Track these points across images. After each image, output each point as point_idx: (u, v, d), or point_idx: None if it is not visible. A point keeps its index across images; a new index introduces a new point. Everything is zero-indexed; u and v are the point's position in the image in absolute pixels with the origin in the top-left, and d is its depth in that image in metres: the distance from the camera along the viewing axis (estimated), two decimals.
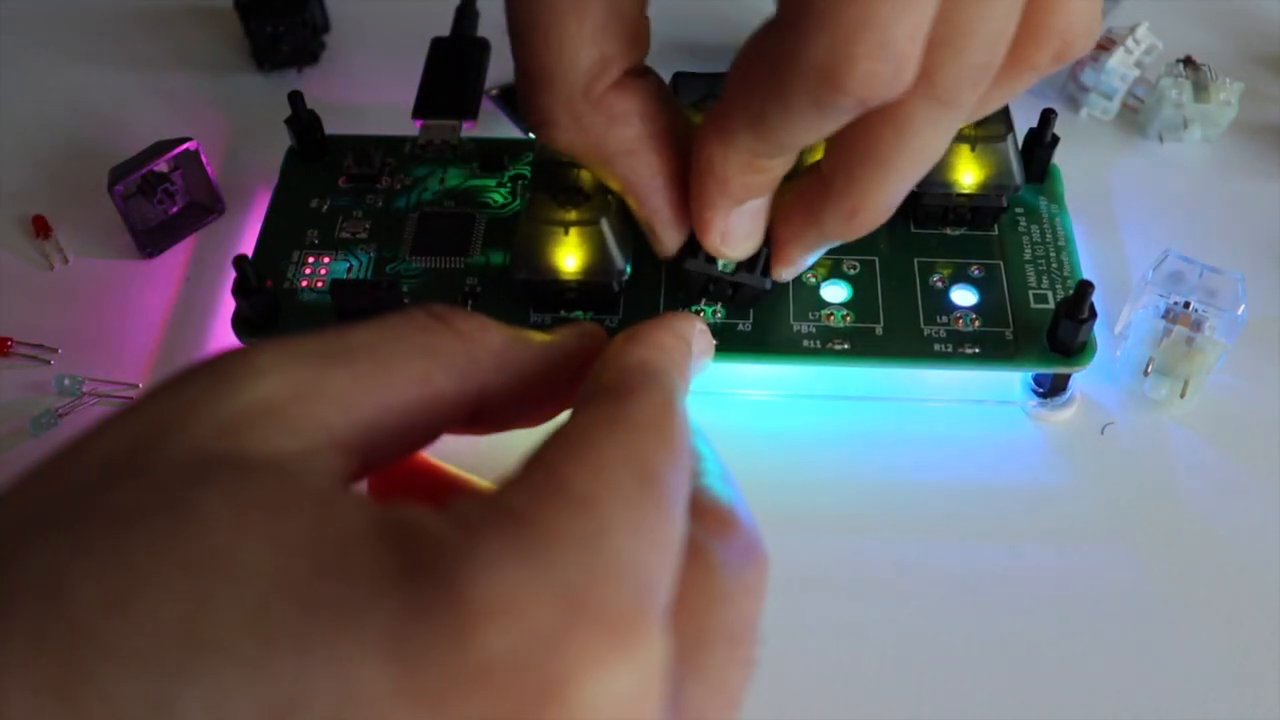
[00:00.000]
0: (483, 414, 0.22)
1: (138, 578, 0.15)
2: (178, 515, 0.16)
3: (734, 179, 0.26)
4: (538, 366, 0.23)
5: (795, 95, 0.22)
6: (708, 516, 0.21)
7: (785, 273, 0.30)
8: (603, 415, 0.20)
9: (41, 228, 0.37)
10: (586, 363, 0.23)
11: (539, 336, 0.23)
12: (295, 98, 0.36)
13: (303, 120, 0.36)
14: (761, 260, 0.30)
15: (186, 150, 0.36)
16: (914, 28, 0.21)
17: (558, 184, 0.31)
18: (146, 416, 0.18)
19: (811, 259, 0.30)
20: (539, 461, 0.19)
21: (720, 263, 0.30)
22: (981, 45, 0.23)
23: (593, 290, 0.31)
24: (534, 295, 0.32)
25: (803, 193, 0.28)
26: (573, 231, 0.30)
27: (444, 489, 0.23)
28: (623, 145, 0.27)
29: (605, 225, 0.30)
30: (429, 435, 0.21)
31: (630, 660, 0.16)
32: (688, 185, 0.28)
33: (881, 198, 0.26)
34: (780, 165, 0.27)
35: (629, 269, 0.31)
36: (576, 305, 0.32)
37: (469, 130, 0.37)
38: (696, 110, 0.31)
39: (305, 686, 0.15)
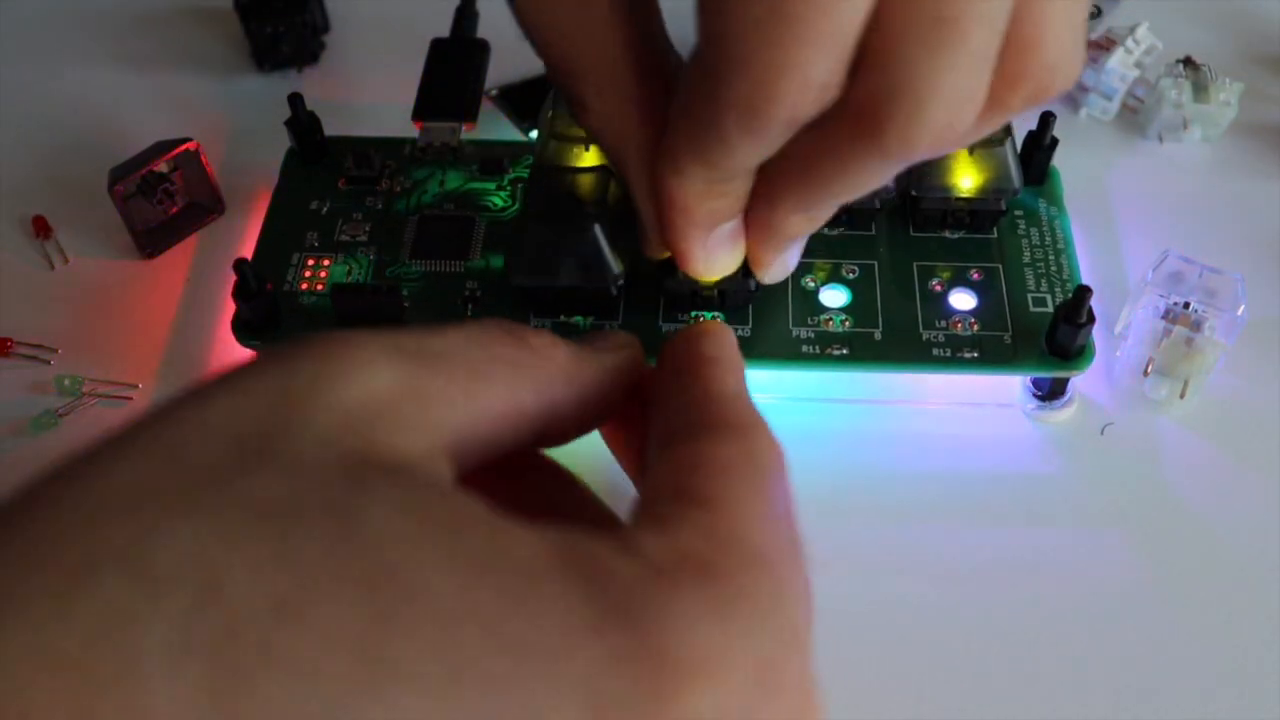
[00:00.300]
0: (549, 431, 0.22)
1: (307, 584, 0.15)
2: (346, 524, 0.15)
3: (696, 208, 0.26)
4: (597, 383, 0.23)
5: (728, 126, 0.22)
6: None
7: (765, 275, 0.30)
8: (740, 455, 0.20)
9: (42, 228, 0.37)
10: (634, 375, 0.24)
11: (596, 354, 0.23)
12: (295, 99, 0.36)
13: (303, 122, 0.36)
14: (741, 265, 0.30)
15: (186, 150, 0.36)
16: (834, 62, 0.21)
17: (554, 189, 0.31)
18: (266, 396, 0.17)
19: (789, 258, 0.29)
20: (697, 501, 0.19)
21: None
22: (943, 104, 0.21)
23: (590, 295, 0.31)
24: (532, 300, 0.32)
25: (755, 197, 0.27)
26: (568, 238, 0.30)
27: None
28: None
29: (598, 231, 0.30)
30: (508, 448, 0.21)
31: None
32: None
33: (825, 210, 0.26)
34: (738, 186, 0.26)
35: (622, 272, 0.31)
36: (575, 310, 0.32)
37: (468, 133, 0.37)
38: None
39: (496, 716, 0.15)
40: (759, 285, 0.31)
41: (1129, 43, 0.40)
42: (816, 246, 0.34)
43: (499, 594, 0.15)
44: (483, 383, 0.20)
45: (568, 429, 0.22)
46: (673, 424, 0.21)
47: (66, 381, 0.33)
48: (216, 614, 0.14)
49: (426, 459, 0.18)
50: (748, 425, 0.21)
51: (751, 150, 0.23)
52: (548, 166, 0.31)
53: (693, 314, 0.32)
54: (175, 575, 0.14)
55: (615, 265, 0.31)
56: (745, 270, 0.31)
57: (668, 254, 0.29)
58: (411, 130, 0.36)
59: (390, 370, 0.18)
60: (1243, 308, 0.32)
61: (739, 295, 0.31)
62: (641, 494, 0.20)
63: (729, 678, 0.16)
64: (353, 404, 0.17)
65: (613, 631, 0.16)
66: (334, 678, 0.14)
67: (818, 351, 0.32)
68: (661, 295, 0.32)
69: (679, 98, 0.24)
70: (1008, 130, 0.32)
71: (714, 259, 0.28)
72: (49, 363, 0.34)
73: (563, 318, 0.32)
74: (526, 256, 0.30)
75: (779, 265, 0.29)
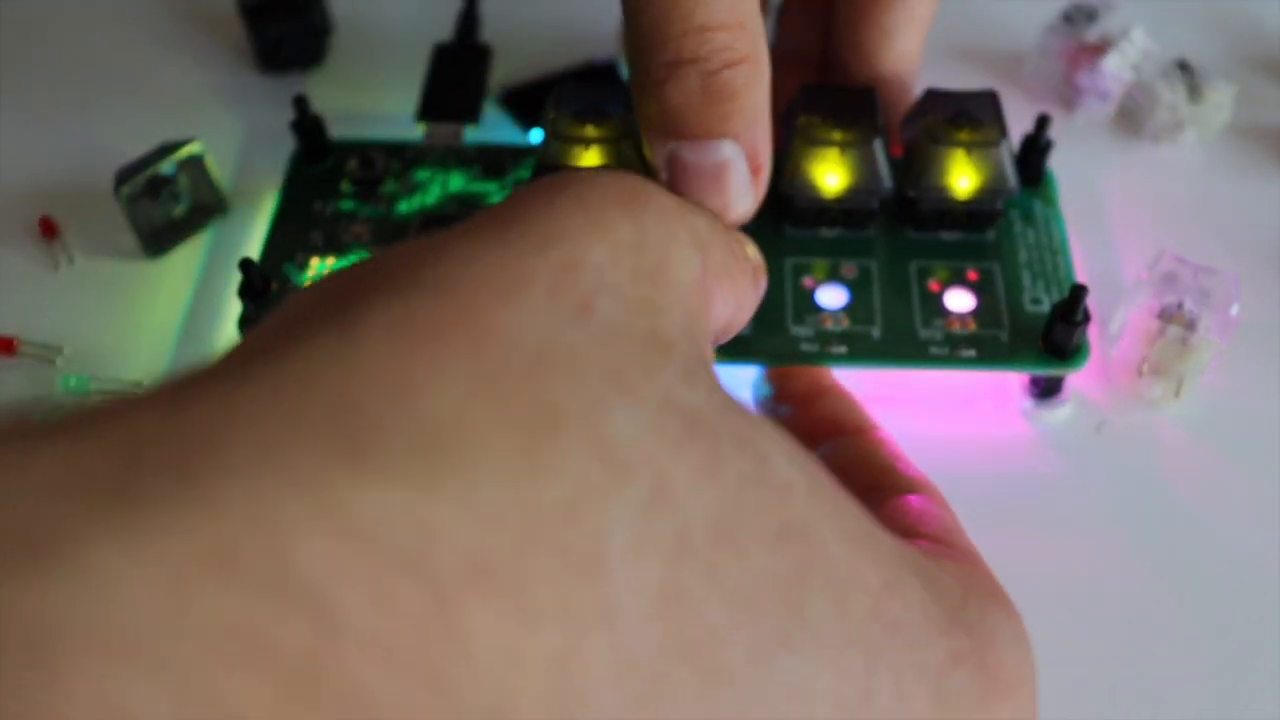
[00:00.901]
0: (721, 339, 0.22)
1: (731, 516, 0.15)
2: (760, 466, 0.16)
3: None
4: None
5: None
6: None
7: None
8: (952, 522, 0.24)
9: (48, 229, 0.37)
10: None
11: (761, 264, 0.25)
12: (300, 102, 0.36)
13: (308, 124, 0.36)
14: None
15: (192, 153, 0.36)
16: None
17: None
18: (631, 267, 0.17)
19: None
20: (955, 538, 0.23)
21: None
22: None
23: None
24: None
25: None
26: None
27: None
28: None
29: None
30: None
31: None
32: None
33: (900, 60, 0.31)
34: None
35: None
36: None
37: (472, 136, 0.37)
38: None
39: (869, 689, 0.16)
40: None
41: (1123, 45, 0.40)
42: (815, 246, 0.34)
43: (878, 574, 0.17)
44: (729, 287, 0.20)
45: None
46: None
47: (72, 381, 0.34)
48: (670, 517, 0.14)
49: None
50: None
51: None
52: (550, 167, 0.31)
53: None
54: (633, 462, 0.14)
55: None
56: None
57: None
58: (415, 133, 0.37)
59: (697, 260, 0.18)
60: (1237, 307, 0.33)
61: None
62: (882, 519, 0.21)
63: (1023, 694, 0.19)
64: (689, 295, 0.18)
65: (956, 635, 0.18)
66: (762, 618, 0.15)
67: (817, 350, 0.32)
68: None
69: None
70: (1004, 132, 0.33)
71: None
72: (54, 363, 0.35)
73: None
74: None
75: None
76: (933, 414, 0.33)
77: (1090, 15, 0.41)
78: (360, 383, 0.13)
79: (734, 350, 0.32)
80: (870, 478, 0.26)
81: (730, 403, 0.17)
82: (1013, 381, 0.34)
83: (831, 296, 0.33)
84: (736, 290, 0.21)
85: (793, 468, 0.16)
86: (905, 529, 0.23)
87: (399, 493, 0.12)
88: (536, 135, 0.39)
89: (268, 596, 0.12)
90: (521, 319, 0.15)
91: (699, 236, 0.19)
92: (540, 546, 0.13)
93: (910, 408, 0.33)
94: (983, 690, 0.18)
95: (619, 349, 0.15)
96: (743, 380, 0.33)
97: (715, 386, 0.17)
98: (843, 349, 0.32)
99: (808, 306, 0.33)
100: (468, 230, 0.17)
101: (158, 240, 0.37)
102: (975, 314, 0.33)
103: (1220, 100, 0.40)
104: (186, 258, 0.37)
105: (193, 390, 0.14)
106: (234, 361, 0.14)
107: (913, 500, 0.24)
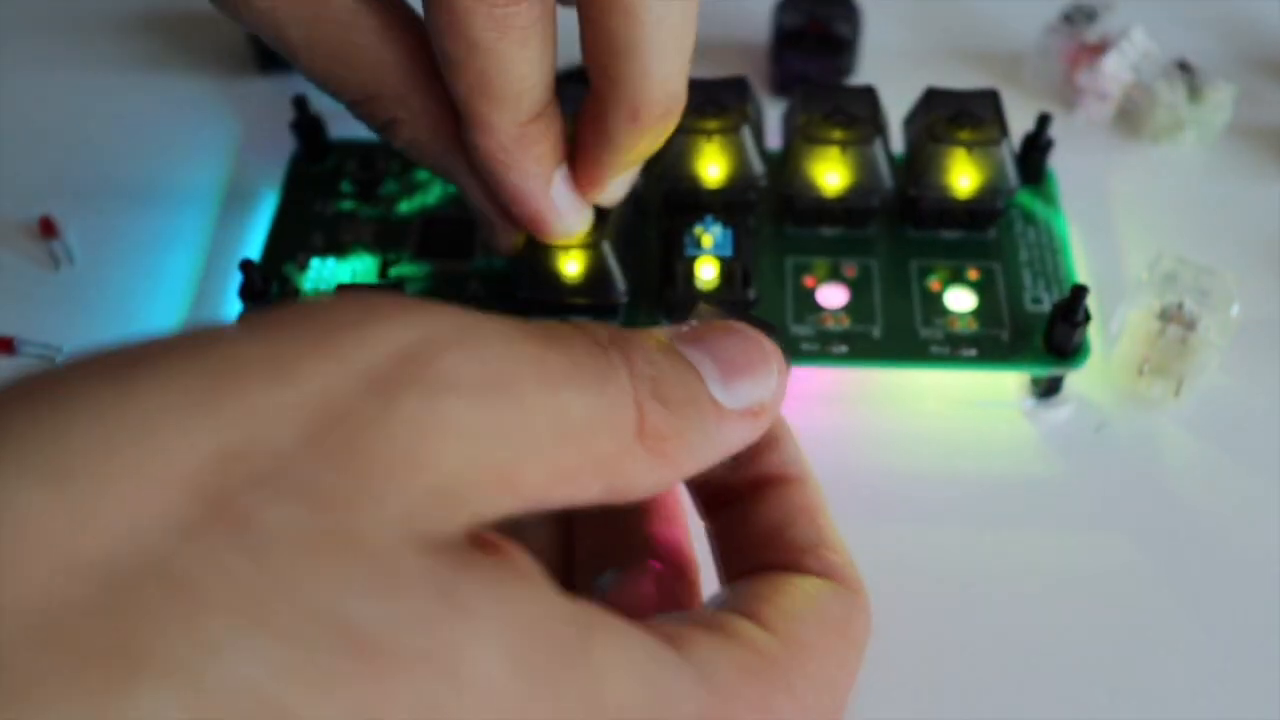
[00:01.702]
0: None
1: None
2: (453, 681, 0.13)
3: (521, 156, 0.27)
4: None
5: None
6: None
7: (599, 196, 0.29)
8: (843, 613, 0.20)
9: (48, 229, 0.37)
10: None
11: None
12: (300, 102, 0.36)
13: (308, 124, 0.36)
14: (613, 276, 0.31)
15: None
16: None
17: None
18: (332, 466, 0.14)
19: (623, 181, 0.29)
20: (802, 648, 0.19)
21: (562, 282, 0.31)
22: None
23: (595, 310, 0.32)
24: (537, 309, 0.32)
25: (586, 115, 0.28)
26: (574, 252, 0.30)
27: None
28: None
29: (606, 248, 0.31)
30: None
31: None
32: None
33: (649, 86, 0.26)
34: (546, 125, 0.27)
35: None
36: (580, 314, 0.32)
37: None
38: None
39: None
40: (757, 295, 0.31)
41: (1124, 46, 0.40)
42: (815, 245, 0.34)
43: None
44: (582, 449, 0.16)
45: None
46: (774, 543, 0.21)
47: None
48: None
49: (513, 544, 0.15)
50: (856, 589, 0.21)
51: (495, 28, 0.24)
52: None
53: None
54: (246, 710, 0.12)
55: (621, 281, 0.31)
56: (745, 280, 0.31)
57: (522, 239, 0.30)
58: None
59: (464, 410, 0.15)
60: (1236, 307, 0.33)
61: (739, 306, 0.32)
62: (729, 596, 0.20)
63: None
64: (444, 474, 0.14)
65: None
66: None
67: (817, 350, 0.32)
68: (663, 308, 0.32)
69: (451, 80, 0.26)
70: (1004, 130, 0.33)
71: (564, 213, 0.28)
72: (54, 362, 0.34)
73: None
74: (532, 272, 0.31)
75: (614, 188, 0.29)
76: (933, 414, 0.33)
77: (1090, 15, 0.41)
78: None
79: None
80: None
81: (439, 585, 0.14)
82: (1013, 381, 0.34)
83: (832, 296, 0.33)
84: (624, 452, 0.17)
85: (511, 668, 0.14)
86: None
87: None
88: None
89: None
90: (135, 526, 0.12)
91: (474, 365, 0.15)
92: None
93: (911, 407, 0.33)
94: None
95: (262, 562, 0.12)
96: None
97: (444, 585, 0.14)
98: (843, 348, 0.32)
99: (808, 306, 0.33)
100: (91, 386, 0.13)
101: None
102: (976, 313, 0.33)
103: (1220, 100, 0.40)
104: (186, 258, 0.37)
105: None
106: None
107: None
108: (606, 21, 0.24)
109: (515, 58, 0.25)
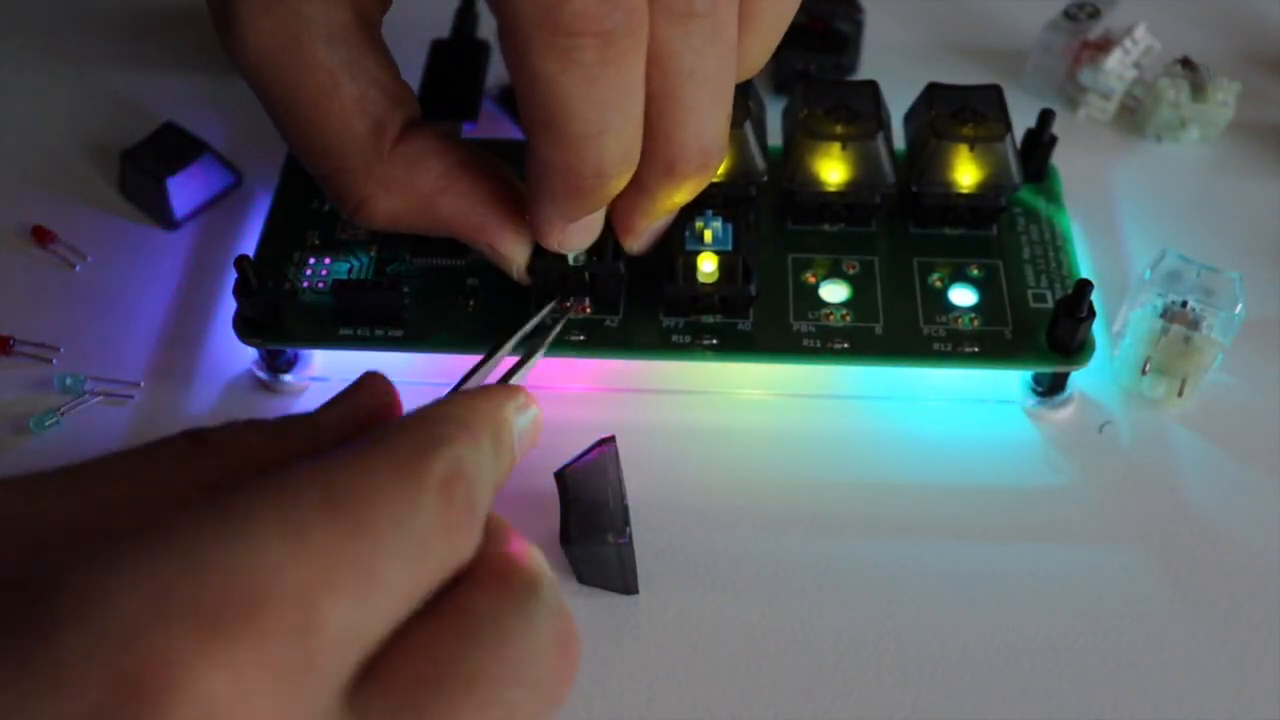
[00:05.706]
0: None
1: None
2: None
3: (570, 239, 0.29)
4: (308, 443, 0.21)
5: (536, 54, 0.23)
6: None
7: (634, 245, 0.30)
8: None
9: (42, 236, 0.37)
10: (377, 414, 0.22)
11: (311, 416, 0.22)
12: None
13: None
14: (610, 246, 0.31)
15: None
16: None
17: None
18: None
19: (656, 227, 0.30)
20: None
21: (570, 255, 0.31)
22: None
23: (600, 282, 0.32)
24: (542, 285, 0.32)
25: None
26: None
27: None
28: (434, 184, 0.28)
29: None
30: None
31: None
32: (509, 200, 0.29)
33: (689, 140, 0.26)
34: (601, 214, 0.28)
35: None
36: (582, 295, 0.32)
37: (470, 132, 0.37)
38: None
39: None
40: (758, 290, 0.31)
41: (1127, 43, 0.40)
42: (817, 242, 0.34)
43: None
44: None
45: None
46: None
47: (68, 380, 0.33)
48: None
49: None
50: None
51: (573, 84, 0.23)
52: None
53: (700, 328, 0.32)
54: None
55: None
56: (745, 276, 0.31)
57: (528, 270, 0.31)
58: None
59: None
60: (1240, 306, 0.32)
61: (739, 301, 0.31)
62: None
63: None
64: None
65: None
66: None
67: (819, 346, 0.32)
68: (661, 297, 0.32)
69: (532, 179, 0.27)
70: (1007, 126, 0.33)
71: (571, 237, 0.29)
72: (51, 361, 0.34)
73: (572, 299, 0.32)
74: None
75: (648, 235, 0.30)
76: (936, 411, 0.33)
77: (1093, 12, 0.41)
78: None
79: (734, 346, 0.32)
80: None
81: None
82: (1016, 379, 0.33)
83: (833, 292, 0.33)
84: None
85: None
86: None
87: None
88: None
89: None
90: None
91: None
92: None
93: (912, 405, 0.33)
94: None
95: None
96: (747, 377, 0.33)
97: None
98: (844, 345, 0.32)
99: (810, 302, 0.33)
100: None
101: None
102: (978, 310, 0.32)
103: (1224, 98, 0.39)
104: (183, 256, 0.37)
105: None
106: None
107: None
108: (646, 76, 0.24)
109: (582, 97, 0.24)
